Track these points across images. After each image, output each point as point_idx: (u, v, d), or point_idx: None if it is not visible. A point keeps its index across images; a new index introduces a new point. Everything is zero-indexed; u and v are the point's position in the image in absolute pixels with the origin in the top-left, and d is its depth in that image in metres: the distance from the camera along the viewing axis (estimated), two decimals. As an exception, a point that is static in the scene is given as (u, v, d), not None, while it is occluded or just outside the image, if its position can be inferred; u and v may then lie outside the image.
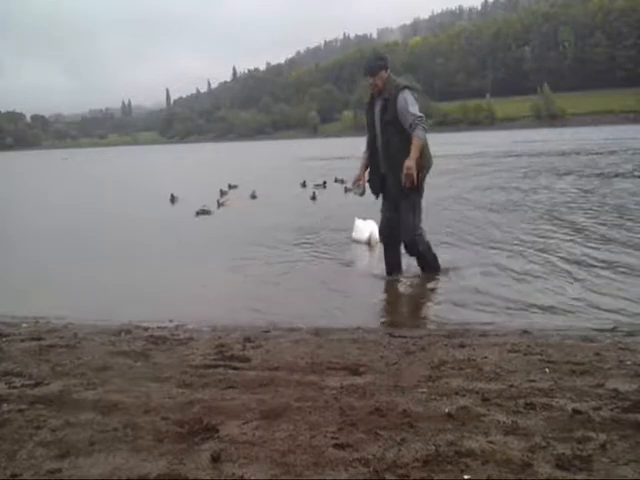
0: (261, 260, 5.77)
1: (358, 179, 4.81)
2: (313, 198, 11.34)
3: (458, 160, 20.30)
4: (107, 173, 26.45)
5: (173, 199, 11.68)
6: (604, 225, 6.83)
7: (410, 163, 4.25)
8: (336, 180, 14.24)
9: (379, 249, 6.35)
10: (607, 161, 16.96)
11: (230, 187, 13.62)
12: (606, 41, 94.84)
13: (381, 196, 4.79)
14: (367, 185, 4.79)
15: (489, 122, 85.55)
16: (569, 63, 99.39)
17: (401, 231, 4.61)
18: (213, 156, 42.63)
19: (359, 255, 6.36)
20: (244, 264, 5.63)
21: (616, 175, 12.68)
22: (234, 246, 6.69)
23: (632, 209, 7.78)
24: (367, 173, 4.79)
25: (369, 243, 6.55)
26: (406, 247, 4.71)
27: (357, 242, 6.82)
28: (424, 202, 4.68)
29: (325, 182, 13.75)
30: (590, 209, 8.07)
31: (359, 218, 7.15)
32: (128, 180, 20.37)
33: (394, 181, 4.48)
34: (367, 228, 6.81)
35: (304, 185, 13.95)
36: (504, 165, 17.83)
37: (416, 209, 4.57)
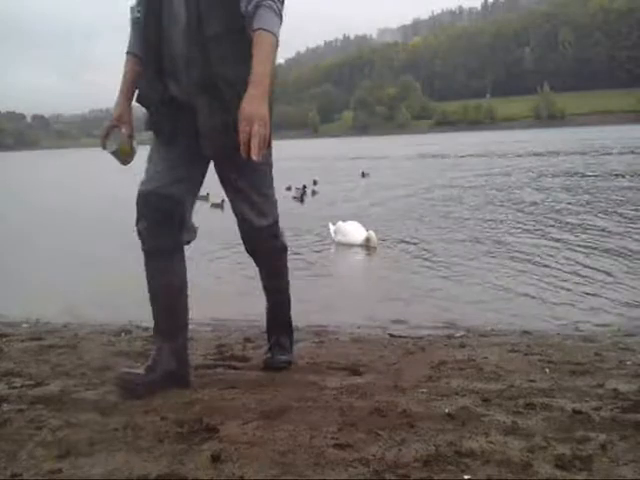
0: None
1: (117, 120, 2.12)
2: (301, 200, 11.38)
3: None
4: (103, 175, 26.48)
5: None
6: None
7: (258, 110, 1.78)
8: (315, 182, 14.33)
9: (380, 249, 6.36)
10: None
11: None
12: (606, 41, 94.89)
13: (160, 138, 2.11)
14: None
15: (489, 122, 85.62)
16: (569, 63, 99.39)
17: (244, 214, 2.16)
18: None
19: (355, 257, 6.35)
20: (243, 265, 5.62)
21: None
22: (228, 247, 6.68)
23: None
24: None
25: (368, 245, 6.51)
26: (253, 242, 2.25)
27: (346, 245, 6.74)
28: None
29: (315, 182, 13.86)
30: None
31: (330, 222, 7.19)
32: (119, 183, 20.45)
33: (211, 119, 1.96)
34: (358, 229, 6.78)
35: (289, 189, 13.98)
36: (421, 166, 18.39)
37: (269, 177, 2.19)
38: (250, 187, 2.12)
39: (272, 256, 2.32)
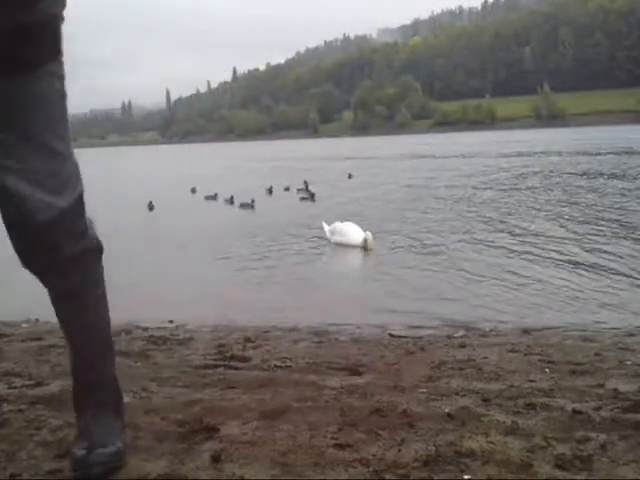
0: (261, 261, 5.77)
1: None
2: (312, 199, 11.46)
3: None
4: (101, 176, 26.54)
5: (151, 206, 11.71)
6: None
7: None
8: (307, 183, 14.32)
9: (377, 249, 6.37)
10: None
11: None
12: (606, 41, 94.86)
13: None
14: None
15: (489, 122, 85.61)
16: (569, 63, 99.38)
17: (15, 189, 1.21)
18: (199, 158, 42.85)
19: (353, 257, 6.35)
20: (244, 265, 5.63)
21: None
22: (231, 248, 6.68)
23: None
24: None
25: (365, 246, 6.52)
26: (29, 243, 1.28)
27: (344, 246, 6.75)
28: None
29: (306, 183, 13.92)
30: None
31: (324, 222, 7.22)
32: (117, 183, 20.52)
33: None
34: (356, 230, 6.80)
35: (287, 189, 13.94)
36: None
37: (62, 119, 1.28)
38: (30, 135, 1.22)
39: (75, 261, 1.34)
